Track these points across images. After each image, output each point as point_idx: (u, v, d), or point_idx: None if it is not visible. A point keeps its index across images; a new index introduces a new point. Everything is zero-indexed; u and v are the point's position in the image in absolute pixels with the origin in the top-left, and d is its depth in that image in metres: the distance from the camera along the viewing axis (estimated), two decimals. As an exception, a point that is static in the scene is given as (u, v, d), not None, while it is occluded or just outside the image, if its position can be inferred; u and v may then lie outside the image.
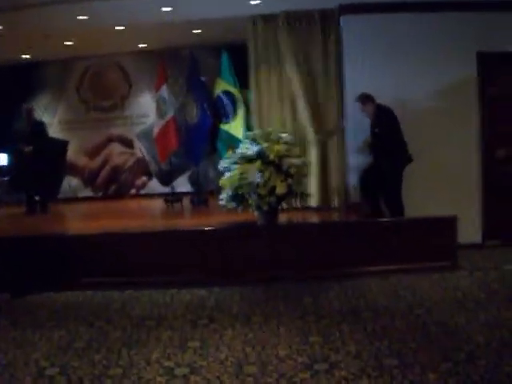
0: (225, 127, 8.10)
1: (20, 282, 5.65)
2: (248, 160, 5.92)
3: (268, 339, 4.05)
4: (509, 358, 3.51)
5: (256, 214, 6.10)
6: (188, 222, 7.87)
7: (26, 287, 5.66)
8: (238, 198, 5.90)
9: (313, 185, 7.09)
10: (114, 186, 10.74)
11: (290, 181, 5.80)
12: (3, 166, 5.58)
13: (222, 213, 6.57)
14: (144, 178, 10.64)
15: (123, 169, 10.66)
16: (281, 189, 5.73)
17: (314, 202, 7.08)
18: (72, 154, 10.63)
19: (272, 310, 4.76)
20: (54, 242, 6.05)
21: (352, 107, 6.79)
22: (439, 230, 5.93)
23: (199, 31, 8.60)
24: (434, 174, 6.81)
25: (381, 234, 5.94)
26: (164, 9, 7.01)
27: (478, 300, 4.81)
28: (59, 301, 5.39)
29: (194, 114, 8.39)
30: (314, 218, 6.98)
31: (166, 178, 9.98)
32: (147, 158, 10.49)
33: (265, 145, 5.95)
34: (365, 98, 6.50)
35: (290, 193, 5.87)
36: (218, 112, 8.17)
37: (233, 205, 6.00)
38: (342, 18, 7.03)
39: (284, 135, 6.23)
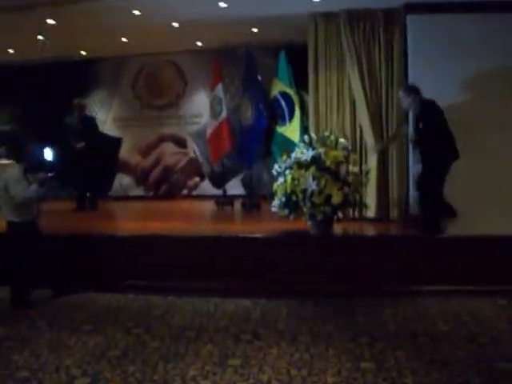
0: (280, 130, 7.80)
1: (63, 280, 5.53)
2: (302, 165, 5.60)
3: (315, 362, 3.70)
4: None
5: (309, 223, 5.76)
6: (238, 227, 7.59)
7: (69, 285, 5.54)
8: (291, 205, 5.58)
9: (371, 194, 6.67)
10: (166, 185, 10.62)
11: (346, 189, 5.44)
12: (49, 161, 5.42)
13: (274, 219, 6.27)
14: (196, 179, 10.47)
15: (175, 169, 10.53)
16: (337, 198, 5.38)
17: (371, 212, 6.66)
18: (125, 151, 10.62)
19: (321, 329, 4.39)
20: (100, 241, 5.95)
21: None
22: (507, 250, 5.44)
23: (256, 30, 8.36)
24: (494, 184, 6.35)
25: (442, 251, 5.50)
26: (221, 4, 6.78)
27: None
28: (99, 303, 5.22)
29: (248, 114, 8.11)
30: (371, 230, 6.56)
31: (219, 180, 9.76)
32: (200, 158, 10.31)
33: (321, 150, 5.61)
34: (410, 90, 5.98)
35: (347, 202, 5.51)
36: (274, 114, 7.87)
37: (285, 212, 5.69)
38: (408, 18, 6.68)
39: (342, 140, 5.88)
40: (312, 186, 5.42)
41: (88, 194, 8.52)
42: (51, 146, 5.60)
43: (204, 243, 5.76)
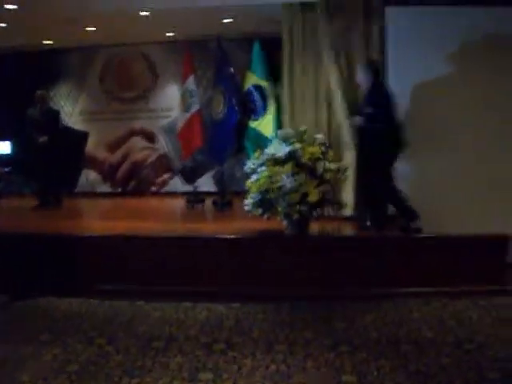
0: (253, 124, 7.51)
1: (22, 284, 5.19)
2: (278, 162, 5.31)
3: (293, 375, 3.43)
4: None
5: (284, 222, 5.48)
6: (209, 226, 7.27)
7: (28, 290, 5.18)
8: (265, 203, 5.29)
9: (348, 192, 6.41)
10: (134, 182, 10.26)
11: (324, 187, 5.17)
12: (6, 155, 5.06)
13: (247, 218, 5.95)
14: (166, 176, 10.14)
15: (144, 164, 10.17)
16: (314, 196, 5.11)
17: (348, 211, 6.40)
18: (92, 146, 10.24)
19: (298, 336, 4.12)
20: (62, 241, 5.58)
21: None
22: (487, 250, 5.27)
23: (229, 20, 8.05)
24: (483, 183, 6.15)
25: (422, 252, 5.27)
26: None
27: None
28: (60, 309, 4.86)
29: (220, 108, 7.79)
30: (349, 230, 6.27)
31: (190, 176, 9.43)
32: (170, 154, 9.98)
33: (297, 146, 5.33)
34: (368, 67, 5.76)
35: (324, 201, 5.24)
36: (247, 108, 7.57)
37: (259, 211, 5.40)
38: (387, 9, 6.45)
39: (319, 136, 5.61)
40: (288, 183, 5.14)
41: (51, 190, 8.11)
42: (10, 139, 5.24)
43: (173, 244, 5.43)
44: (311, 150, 5.31)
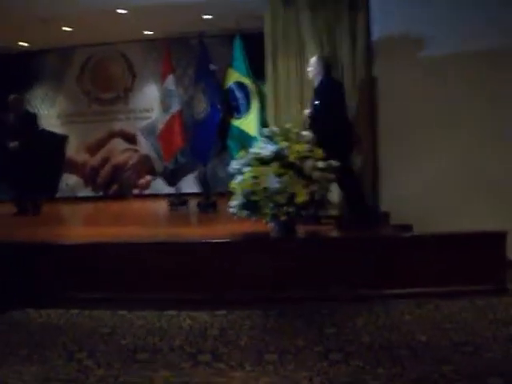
0: (236, 123, 7.35)
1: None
2: (263, 162, 5.12)
3: (285, 388, 3.24)
4: None
5: (271, 224, 5.29)
6: (193, 230, 7.03)
7: (4, 301, 4.91)
8: (251, 206, 5.08)
9: (336, 192, 6.23)
10: (116, 185, 10.05)
11: (312, 187, 4.98)
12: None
13: (232, 220, 5.75)
14: (148, 178, 9.97)
15: (126, 167, 9.95)
16: (302, 196, 4.91)
17: (337, 211, 6.23)
18: (71, 149, 10.01)
19: (289, 344, 3.92)
20: (39, 249, 5.32)
21: (384, 99, 6.04)
22: (484, 248, 5.06)
23: (210, 17, 7.86)
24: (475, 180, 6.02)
25: (415, 251, 5.08)
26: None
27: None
28: (37, 321, 4.62)
29: (202, 107, 7.61)
30: (337, 231, 6.10)
31: (172, 178, 9.22)
32: (152, 155, 9.77)
33: (283, 144, 5.13)
34: (320, 61, 5.89)
35: (313, 201, 5.05)
36: (230, 106, 7.39)
37: (244, 214, 5.19)
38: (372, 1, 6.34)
39: (305, 133, 5.41)
40: (274, 184, 4.94)
41: (29, 197, 7.85)
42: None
43: (156, 249, 5.21)
44: (298, 147, 5.12)
